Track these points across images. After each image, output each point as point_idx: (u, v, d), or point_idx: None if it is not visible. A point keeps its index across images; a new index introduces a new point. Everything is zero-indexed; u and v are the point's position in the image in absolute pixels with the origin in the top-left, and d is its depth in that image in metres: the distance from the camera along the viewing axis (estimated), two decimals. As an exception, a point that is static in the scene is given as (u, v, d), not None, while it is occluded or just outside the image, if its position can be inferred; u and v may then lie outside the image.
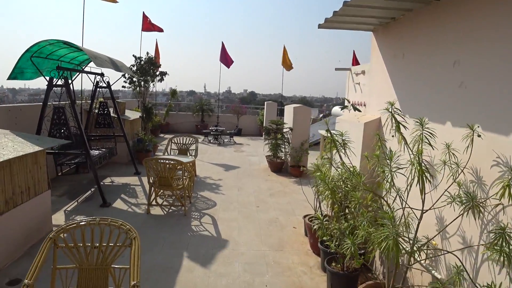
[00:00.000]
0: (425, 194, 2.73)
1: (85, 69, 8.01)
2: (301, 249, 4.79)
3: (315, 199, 4.97)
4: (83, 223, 2.71)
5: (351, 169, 3.50)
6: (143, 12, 14.00)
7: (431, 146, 2.70)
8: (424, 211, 2.79)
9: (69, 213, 5.74)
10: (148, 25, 14.26)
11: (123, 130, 8.15)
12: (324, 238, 3.73)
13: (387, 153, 2.97)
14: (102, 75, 7.74)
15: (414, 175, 2.71)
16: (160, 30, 14.76)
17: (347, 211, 3.73)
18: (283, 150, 9.31)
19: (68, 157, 6.54)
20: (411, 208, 2.93)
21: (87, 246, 2.71)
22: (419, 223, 2.83)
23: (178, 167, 5.63)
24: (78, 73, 7.66)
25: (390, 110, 2.88)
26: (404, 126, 2.90)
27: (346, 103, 6.22)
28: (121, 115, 9.44)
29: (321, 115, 17.77)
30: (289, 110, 9.38)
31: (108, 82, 7.81)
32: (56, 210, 5.75)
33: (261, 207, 6.35)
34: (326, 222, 3.77)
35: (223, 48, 16.44)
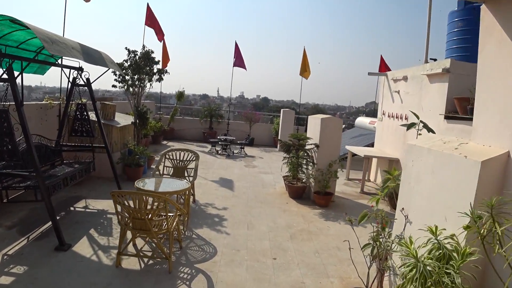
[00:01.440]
0: None
1: (61, 62, 6.36)
2: None
3: (368, 260, 3.15)
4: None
5: (450, 243, 1.73)
6: (147, 3, 12.41)
7: None
8: None
9: (9, 259, 4.02)
10: (151, 22, 12.69)
11: (105, 139, 6.44)
12: None
13: None
14: (80, 69, 6.06)
15: None
16: (160, 38, 13.17)
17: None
18: (305, 171, 7.49)
19: (14, 179, 4.83)
20: None
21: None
22: None
23: (160, 207, 3.86)
24: (49, 66, 6.00)
25: None
26: None
27: (415, 120, 4.38)
28: (109, 120, 7.74)
29: (343, 126, 15.88)
30: (315, 122, 7.56)
31: (87, 79, 6.13)
32: (-12, 255, 4.05)
33: (279, 260, 4.52)
34: None
35: (237, 49, 14.75)
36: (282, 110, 13.95)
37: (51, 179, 4.91)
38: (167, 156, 6.52)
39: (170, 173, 6.42)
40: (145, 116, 7.99)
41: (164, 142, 13.99)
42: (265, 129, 15.40)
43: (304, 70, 15.00)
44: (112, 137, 7.55)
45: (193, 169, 6.20)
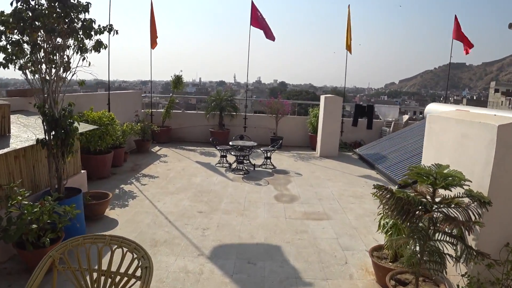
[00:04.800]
0: None
1: None
2: None
3: None
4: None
5: None
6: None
7: None
8: None
9: None
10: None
11: None
12: None
13: None
14: None
15: None
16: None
17: None
18: (441, 259, 3.06)
19: None
20: None
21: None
22: None
23: None
24: None
25: None
26: None
27: None
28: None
29: (405, 117, 11.27)
30: (457, 130, 3.10)
31: None
32: None
33: None
34: None
35: (254, 9, 10.27)
36: (323, 97, 9.47)
37: None
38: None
39: None
40: (67, 124, 3.64)
41: (156, 148, 9.80)
42: (297, 123, 10.96)
43: (349, 39, 10.43)
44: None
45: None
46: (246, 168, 7.65)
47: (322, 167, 8.33)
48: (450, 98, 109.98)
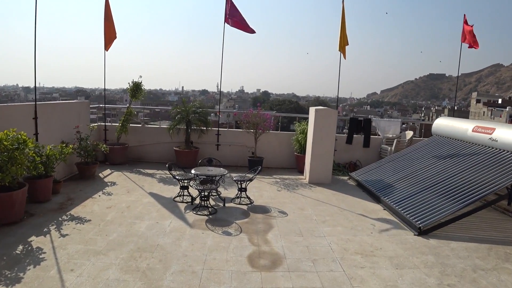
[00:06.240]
0: None
1: None
2: None
3: None
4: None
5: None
6: None
7: None
8: None
9: None
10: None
11: None
12: None
13: None
14: None
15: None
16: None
17: None
18: None
19: None
20: None
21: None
22: None
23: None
24: None
25: None
26: None
27: None
28: None
29: (409, 133, 9.54)
30: None
31: None
32: None
33: None
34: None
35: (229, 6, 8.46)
36: (313, 109, 7.66)
37: None
38: None
39: None
40: None
41: (105, 172, 7.79)
42: (281, 141, 9.11)
43: (343, 39, 8.71)
44: None
45: None
46: (211, 206, 5.71)
47: (313, 200, 6.47)
48: (432, 108, 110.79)
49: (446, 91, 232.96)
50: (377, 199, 6.55)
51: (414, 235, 5.05)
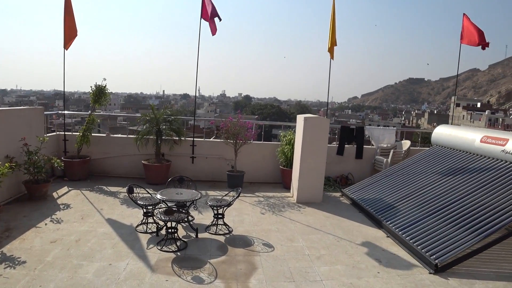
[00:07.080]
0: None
1: None
2: None
3: None
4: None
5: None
6: None
7: None
8: None
9: None
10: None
11: None
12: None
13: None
14: None
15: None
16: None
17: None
18: None
19: None
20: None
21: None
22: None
23: None
24: None
25: None
26: None
27: None
28: None
29: (405, 143, 8.66)
30: None
31: None
32: None
33: None
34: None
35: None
36: (301, 117, 6.68)
37: None
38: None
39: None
40: None
41: (61, 191, 6.61)
42: (264, 153, 8.08)
43: (332, 39, 7.82)
44: None
45: None
46: (180, 238, 4.64)
47: (304, 226, 5.48)
48: (412, 112, 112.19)
49: (425, 95, 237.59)
50: (377, 223, 5.61)
51: (430, 273, 4.13)
